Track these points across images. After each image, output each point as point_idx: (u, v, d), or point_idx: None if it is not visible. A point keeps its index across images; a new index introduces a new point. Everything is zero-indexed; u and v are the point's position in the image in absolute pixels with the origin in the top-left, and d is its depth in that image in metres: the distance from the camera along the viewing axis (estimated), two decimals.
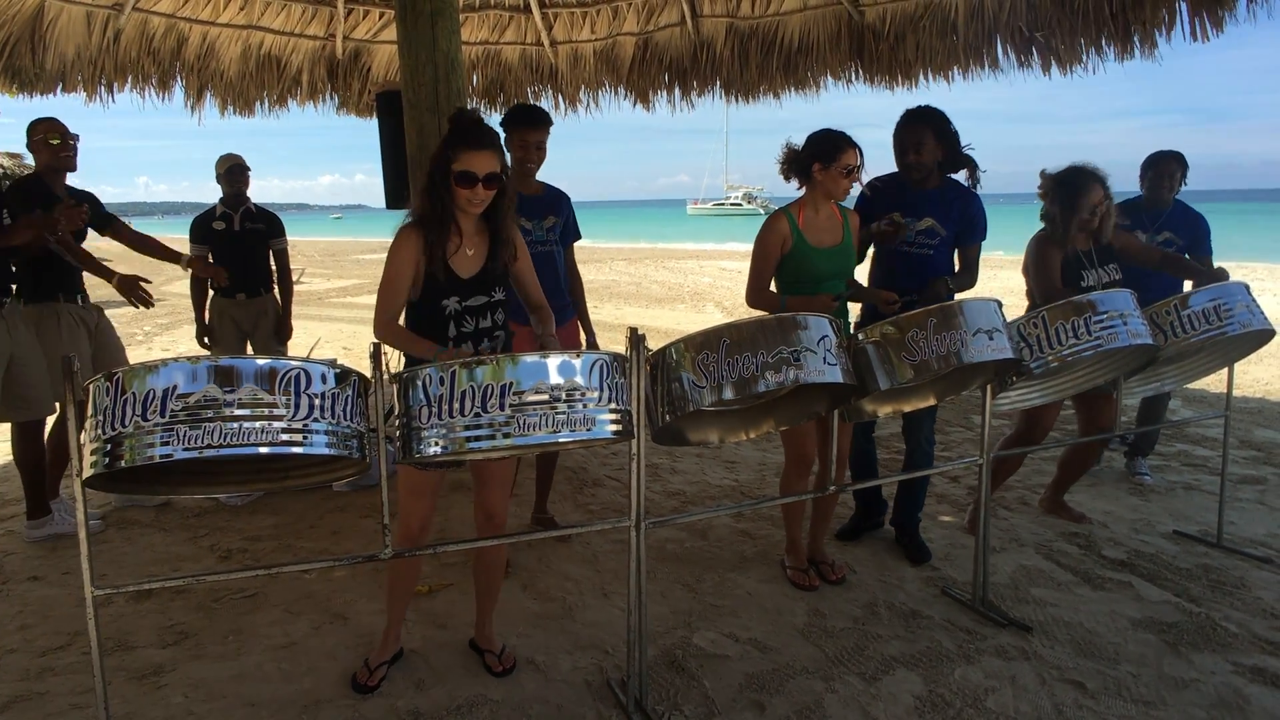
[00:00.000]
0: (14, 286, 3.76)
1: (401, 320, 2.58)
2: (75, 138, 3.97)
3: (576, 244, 3.88)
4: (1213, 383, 6.82)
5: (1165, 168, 4.39)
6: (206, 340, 4.79)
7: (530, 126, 3.51)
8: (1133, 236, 3.99)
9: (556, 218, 3.68)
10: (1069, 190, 3.55)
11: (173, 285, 18.17)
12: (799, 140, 3.23)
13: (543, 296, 2.75)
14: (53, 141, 3.89)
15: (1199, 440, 5.38)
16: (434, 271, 2.49)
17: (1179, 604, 3.20)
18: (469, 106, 4.26)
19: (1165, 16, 4.63)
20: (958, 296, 3.22)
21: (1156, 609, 3.17)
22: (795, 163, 3.21)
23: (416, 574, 2.82)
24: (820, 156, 3.12)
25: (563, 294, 3.72)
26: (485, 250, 2.59)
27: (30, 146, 3.94)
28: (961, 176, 3.60)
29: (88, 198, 4.16)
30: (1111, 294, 3.05)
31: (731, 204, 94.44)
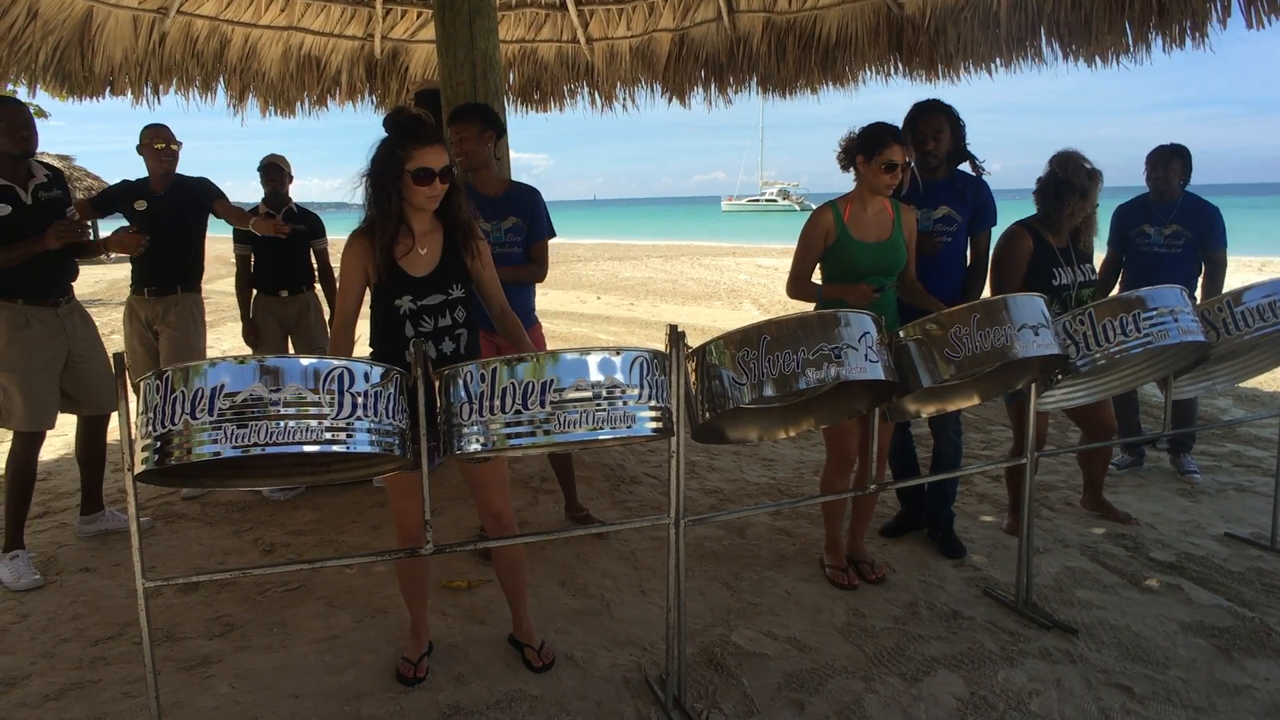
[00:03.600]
0: (73, 285, 3.85)
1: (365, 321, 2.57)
2: (179, 144, 4.29)
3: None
4: (1266, 381, 6.64)
5: (1169, 161, 4.38)
6: (253, 337, 4.87)
7: (455, 122, 3.42)
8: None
9: (518, 218, 3.52)
10: (1088, 177, 3.46)
11: (215, 284, 18.53)
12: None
13: (505, 302, 2.71)
14: (158, 146, 4.24)
15: (1251, 440, 5.23)
16: (383, 273, 2.47)
17: (1231, 608, 3.12)
18: (496, 105, 4.27)
19: (1220, 5, 4.51)
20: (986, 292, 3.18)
21: (1207, 613, 3.09)
22: (846, 153, 3.18)
23: (426, 572, 2.81)
24: (864, 149, 3.09)
25: (526, 298, 3.59)
26: (440, 248, 2.56)
27: (139, 149, 4.28)
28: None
29: (201, 183, 4.45)
30: (1161, 290, 2.98)
31: (767, 200, 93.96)
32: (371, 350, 2.56)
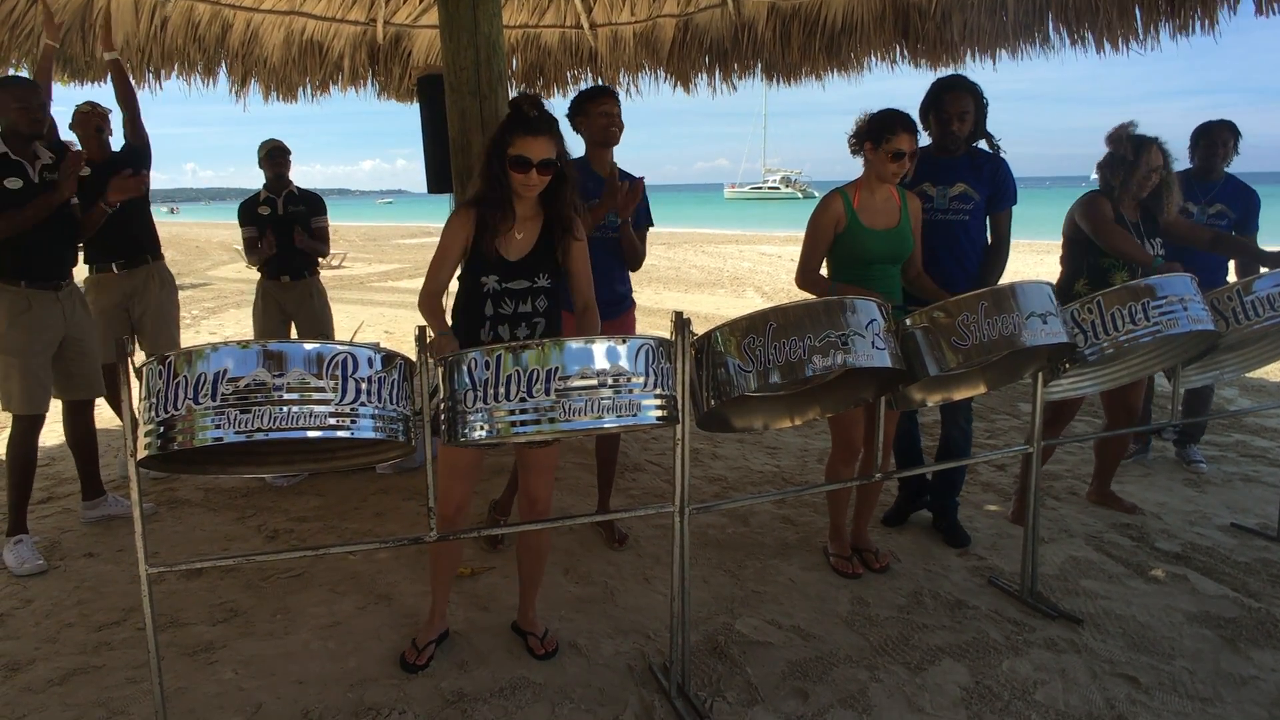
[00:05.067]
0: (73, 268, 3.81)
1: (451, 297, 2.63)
2: (107, 110, 4.20)
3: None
4: (1273, 371, 6.62)
5: (1218, 136, 4.27)
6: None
7: (596, 98, 3.48)
8: (1180, 216, 3.87)
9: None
10: (1135, 145, 3.48)
11: (218, 270, 18.50)
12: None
13: (592, 297, 2.72)
14: (83, 110, 4.15)
15: (1258, 430, 5.21)
16: (479, 248, 2.53)
17: (1237, 599, 3.11)
18: (520, 91, 4.24)
19: None
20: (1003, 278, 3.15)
21: (1213, 603, 3.08)
22: (857, 138, 3.14)
23: (459, 555, 2.85)
24: (872, 136, 3.05)
25: (624, 282, 3.64)
26: (536, 235, 2.59)
27: (71, 127, 4.18)
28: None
29: (138, 155, 4.28)
30: (1170, 278, 2.95)
31: (769, 188, 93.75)
32: (453, 323, 2.62)
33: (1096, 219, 3.53)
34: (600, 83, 7.15)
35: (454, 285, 2.67)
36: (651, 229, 3.73)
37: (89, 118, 4.19)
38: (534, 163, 2.44)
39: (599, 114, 3.44)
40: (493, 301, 2.55)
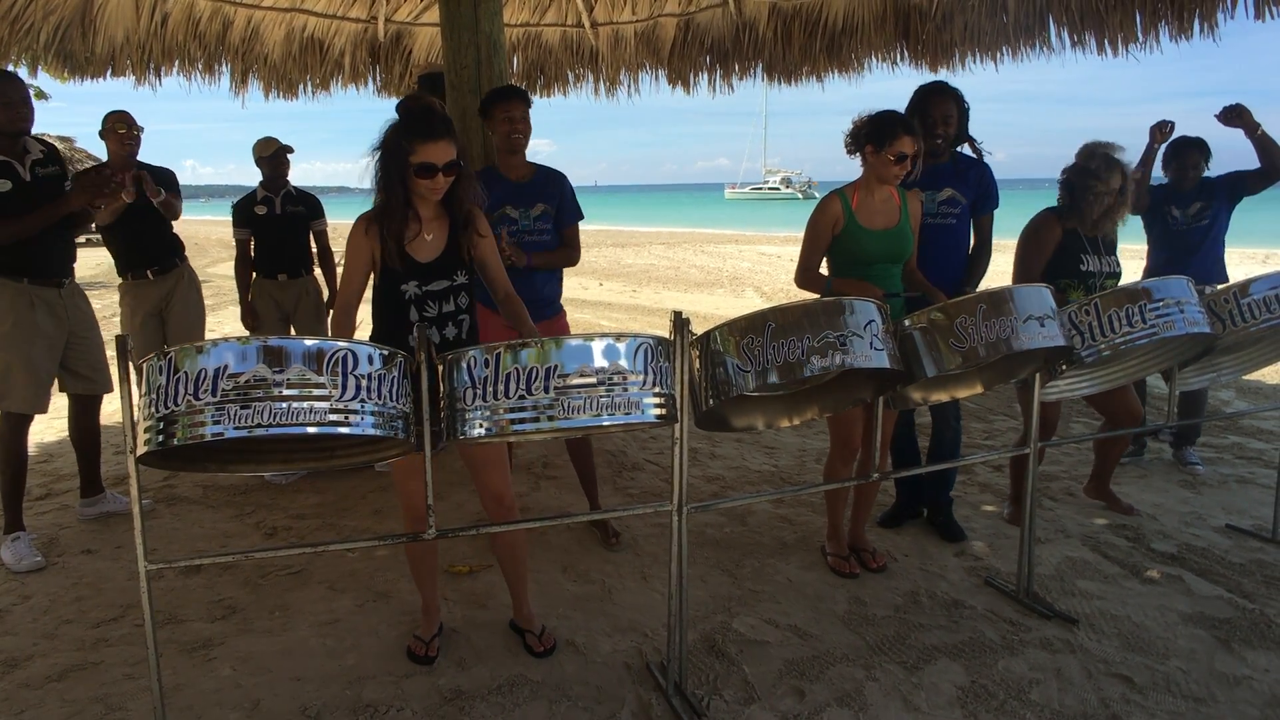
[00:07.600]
0: (74, 266, 3.81)
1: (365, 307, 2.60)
2: (140, 129, 4.19)
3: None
4: (1270, 374, 6.64)
5: (1188, 158, 4.41)
6: (251, 321, 4.86)
7: (500, 100, 3.40)
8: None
9: (547, 204, 3.48)
10: (1089, 172, 3.47)
11: (217, 267, 18.49)
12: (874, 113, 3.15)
13: (509, 285, 2.71)
14: (119, 130, 4.11)
15: (1254, 433, 5.23)
16: (389, 258, 2.48)
17: (1232, 600, 3.12)
18: (503, 85, 4.22)
19: None
20: (995, 282, 3.16)
21: (1208, 604, 3.09)
22: (854, 139, 3.15)
23: (434, 553, 2.82)
24: (873, 139, 3.06)
25: (552, 288, 3.58)
26: (445, 234, 2.58)
27: (102, 134, 4.17)
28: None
29: (163, 172, 4.31)
30: (1168, 281, 2.96)
31: (769, 188, 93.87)
32: (373, 335, 2.56)
33: (1028, 244, 3.60)
34: (600, 83, 7.17)
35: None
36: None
37: (115, 133, 4.09)
38: (439, 167, 2.42)
39: (502, 119, 3.37)
40: (416, 306, 2.53)
